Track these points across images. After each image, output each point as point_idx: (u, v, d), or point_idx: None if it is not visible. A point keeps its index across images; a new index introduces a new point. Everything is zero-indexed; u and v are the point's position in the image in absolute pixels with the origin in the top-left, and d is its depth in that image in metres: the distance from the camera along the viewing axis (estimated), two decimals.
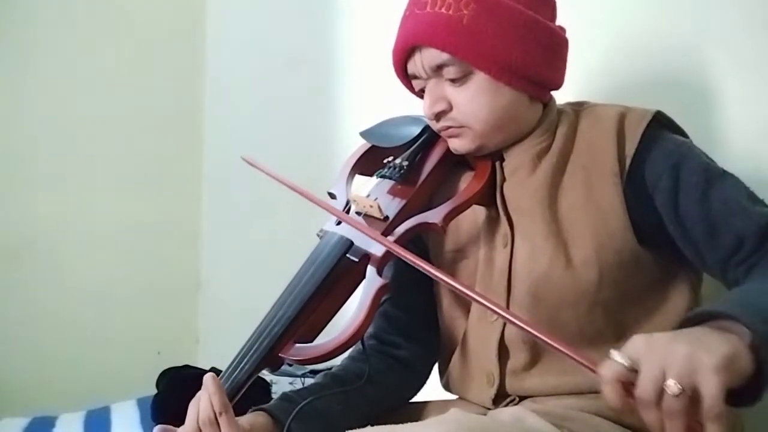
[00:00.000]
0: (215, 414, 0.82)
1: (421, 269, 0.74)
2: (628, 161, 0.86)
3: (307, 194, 0.90)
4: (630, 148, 0.86)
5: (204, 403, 0.84)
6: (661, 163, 0.85)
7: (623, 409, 0.60)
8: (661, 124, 0.89)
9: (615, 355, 0.60)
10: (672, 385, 0.56)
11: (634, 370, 0.58)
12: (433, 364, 1.05)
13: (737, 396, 0.59)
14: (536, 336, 0.65)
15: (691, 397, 0.56)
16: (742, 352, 0.59)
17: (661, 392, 0.57)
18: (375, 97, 1.59)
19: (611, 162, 0.86)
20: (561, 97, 0.96)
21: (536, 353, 0.87)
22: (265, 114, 2.05)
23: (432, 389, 1.05)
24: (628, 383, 0.59)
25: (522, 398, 0.89)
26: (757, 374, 0.60)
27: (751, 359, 0.59)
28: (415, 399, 1.04)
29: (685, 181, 0.83)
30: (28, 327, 1.85)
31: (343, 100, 1.80)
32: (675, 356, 0.57)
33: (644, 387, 0.57)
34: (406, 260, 0.77)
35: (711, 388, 0.56)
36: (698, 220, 0.82)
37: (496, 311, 0.67)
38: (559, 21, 0.94)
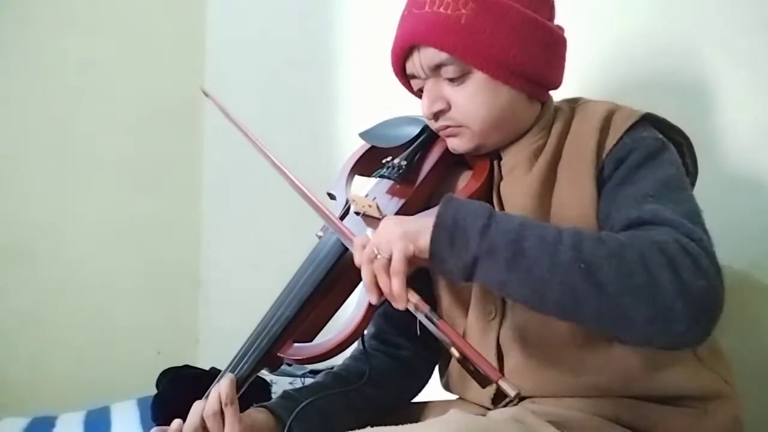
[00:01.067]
0: (221, 405, 0.83)
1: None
2: (604, 154, 0.86)
3: (263, 148, 0.96)
4: (609, 145, 0.86)
5: (212, 395, 0.85)
6: (614, 155, 0.85)
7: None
8: (648, 124, 0.88)
9: (368, 231, 0.85)
10: (374, 250, 0.77)
11: None
12: (434, 365, 1.05)
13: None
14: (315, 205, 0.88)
15: (387, 260, 0.76)
16: (426, 230, 0.76)
17: (373, 256, 0.77)
18: (374, 97, 1.59)
19: (591, 155, 0.86)
20: (559, 96, 0.96)
21: (532, 353, 0.87)
22: (264, 114, 2.05)
23: (432, 389, 1.05)
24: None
25: (521, 399, 0.89)
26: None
27: (430, 236, 0.75)
28: (415, 399, 1.04)
29: (615, 174, 0.84)
30: (28, 327, 1.85)
31: (343, 100, 1.80)
32: (383, 231, 0.78)
33: (366, 250, 0.78)
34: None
35: (394, 251, 0.75)
36: (603, 211, 0.83)
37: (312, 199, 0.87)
38: (558, 20, 0.94)
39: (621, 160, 0.84)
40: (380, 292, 0.78)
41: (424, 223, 0.77)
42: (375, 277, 0.77)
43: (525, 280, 0.72)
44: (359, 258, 0.79)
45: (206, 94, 1.13)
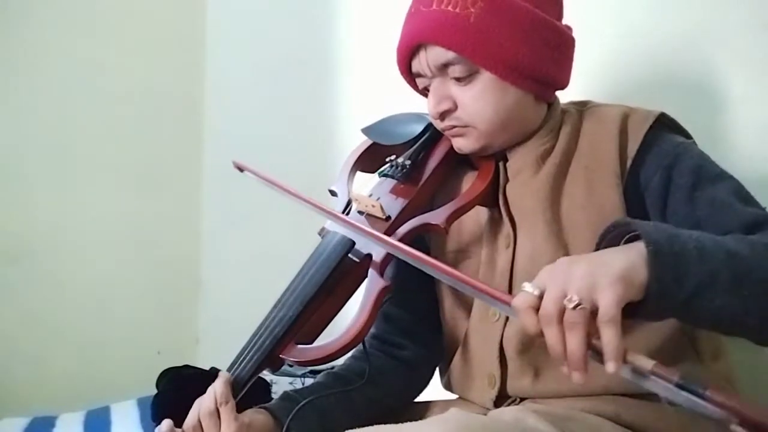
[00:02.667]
0: (216, 405, 0.83)
1: (421, 266, 0.74)
2: (629, 162, 0.86)
3: (301, 196, 0.89)
4: (632, 149, 0.86)
5: (207, 395, 0.85)
6: (655, 163, 0.85)
7: (539, 335, 0.63)
8: (664, 126, 0.88)
9: (525, 286, 0.65)
10: (570, 298, 0.61)
11: (542, 296, 0.63)
12: (436, 365, 1.05)
13: (636, 310, 0.64)
14: (459, 278, 0.69)
15: (591, 312, 0.60)
16: (638, 266, 0.63)
17: (562, 309, 0.61)
18: (375, 97, 1.59)
19: (613, 163, 0.86)
20: (565, 97, 0.96)
21: (534, 354, 0.87)
22: (264, 114, 2.05)
23: (433, 389, 1.05)
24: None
25: (523, 399, 0.89)
26: (650, 286, 0.63)
27: (645, 271, 0.63)
28: (416, 399, 1.04)
29: (674, 182, 0.83)
30: (28, 327, 1.85)
31: (343, 100, 1.80)
32: (574, 275, 0.62)
33: (546, 305, 0.62)
34: (408, 260, 0.77)
35: (606, 299, 0.60)
36: (685, 219, 0.81)
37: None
38: (564, 20, 0.94)
39: (670, 166, 0.84)
40: (584, 360, 0.60)
41: (627, 257, 0.64)
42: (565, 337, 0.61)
43: (740, 301, 0.66)
44: (533, 319, 0.63)
45: (237, 166, 1.03)
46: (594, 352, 0.60)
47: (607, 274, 0.62)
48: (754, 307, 0.66)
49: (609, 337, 0.59)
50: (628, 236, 0.69)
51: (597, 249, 0.71)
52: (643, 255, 0.64)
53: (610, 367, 0.59)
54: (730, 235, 0.73)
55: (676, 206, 0.83)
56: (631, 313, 0.64)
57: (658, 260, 0.63)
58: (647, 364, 0.58)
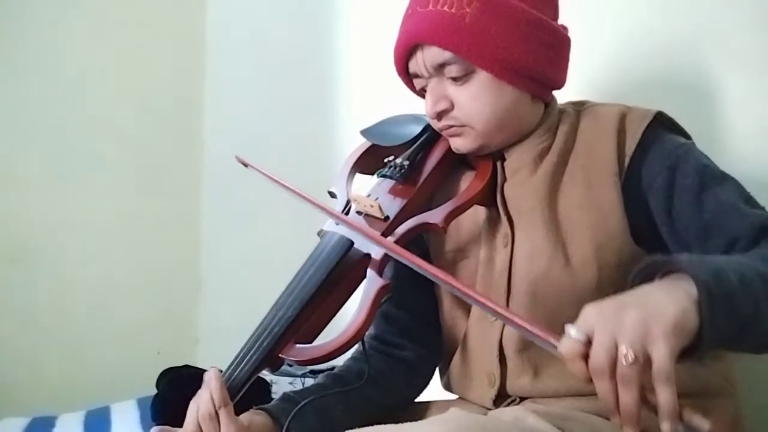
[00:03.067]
0: (215, 408, 0.83)
1: (420, 271, 0.73)
2: (627, 161, 0.86)
3: (302, 194, 0.89)
4: (630, 148, 0.86)
5: (204, 398, 0.85)
6: (657, 163, 0.85)
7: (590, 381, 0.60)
8: (662, 125, 0.89)
9: (570, 330, 0.60)
10: (625, 353, 0.57)
11: (590, 342, 0.59)
12: (436, 365, 1.05)
13: (685, 351, 0.61)
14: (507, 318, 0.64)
15: (644, 363, 0.57)
16: (689, 311, 0.60)
17: (614, 361, 0.57)
18: (374, 97, 1.59)
19: (611, 161, 0.86)
20: (562, 96, 0.96)
21: (533, 354, 0.87)
22: (264, 114, 2.05)
23: (433, 389, 1.05)
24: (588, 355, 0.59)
25: (522, 399, 0.89)
26: (702, 329, 0.60)
27: (697, 316, 0.60)
28: (416, 399, 1.04)
29: (679, 183, 0.83)
30: (28, 327, 1.85)
31: (343, 100, 1.80)
32: (625, 324, 0.58)
33: (597, 357, 0.58)
34: (405, 262, 0.76)
35: (661, 353, 0.57)
36: (691, 222, 0.82)
37: (496, 310, 0.66)
38: (561, 20, 0.94)
39: (673, 167, 0.84)
40: (637, 417, 0.57)
41: (678, 303, 0.60)
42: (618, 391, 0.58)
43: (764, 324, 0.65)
44: (581, 367, 0.59)
45: (240, 161, 1.03)
46: (646, 404, 0.58)
47: (661, 323, 0.58)
48: None
49: (665, 395, 0.57)
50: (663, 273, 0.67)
51: (632, 283, 0.67)
52: (692, 298, 0.61)
53: (666, 426, 0.57)
54: (752, 254, 0.73)
55: (682, 207, 0.83)
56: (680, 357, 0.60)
57: (711, 304, 0.61)
58: (704, 424, 0.56)
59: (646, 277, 0.67)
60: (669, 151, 0.85)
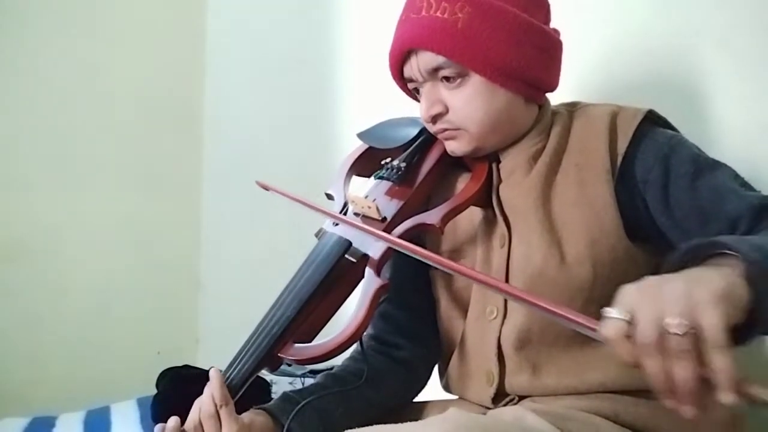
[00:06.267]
0: (216, 407, 0.83)
1: (422, 258, 0.74)
2: (619, 159, 0.87)
3: (321, 208, 0.90)
4: (622, 146, 0.87)
5: (206, 397, 0.86)
6: (651, 156, 0.86)
7: (636, 364, 0.56)
8: (653, 122, 0.89)
9: (610, 312, 0.57)
10: (674, 323, 0.53)
11: (632, 322, 0.56)
12: (433, 365, 1.05)
13: (736, 334, 0.57)
14: (538, 305, 0.62)
15: (695, 335, 0.53)
16: (737, 283, 0.57)
17: (662, 334, 0.54)
18: (374, 98, 1.60)
19: (603, 160, 0.87)
20: (556, 98, 0.97)
21: (532, 353, 0.88)
22: (264, 114, 2.05)
23: (432, 389, 1.05)
24: (633, 337, 0.55)
25: (521, 398, 0.89)
26: (754, 306, 0.58)
27: (747, 290, 0.58)
28: (415, 399, 1.04)
29: (674, 172, 0.84)
30: (28, 327, 1.85)
31: (343, 101, 1.80)
32: (670, 295, 0.55)
33: (644, 332, 0.54)
34: (407, 253, 0.76)
35: (712, 320, 0.53)
36: (689, 208, 0.82)
37: (498, 286, 0.67)
38: (555, 22, 0.94)
39: (666, 157, 0.85)
40: (697, 394, 0.54)
41: (726, 277, 0.58)
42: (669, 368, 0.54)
43: None
44: (630, 350, 0.55)
45: (261, 186, 1.05)
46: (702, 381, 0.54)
47: (707, 291, 0.55)
48: None
49: (722, 364, 0.52)
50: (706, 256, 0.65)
51: (670, 270, 0.63)
52: (739, 273, 0.59)
53: (727, 398, 0.53)
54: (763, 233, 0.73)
55: (680, 195, 0.83)
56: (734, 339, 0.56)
57: (763, 275, 0.58)
58: (766, 395, 0.53)
59: (687, 262, 0.65)
60: (661, 143, 0.86)
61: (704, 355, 0.53)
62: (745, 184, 0.83)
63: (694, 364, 0.53)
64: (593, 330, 0.57)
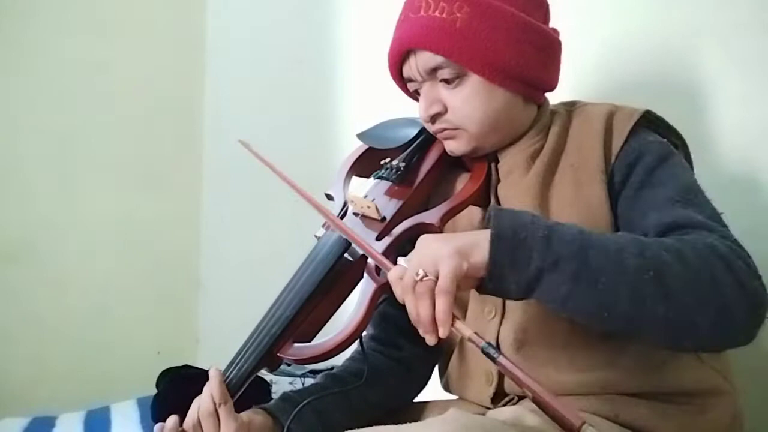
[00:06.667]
0: (215, 406, 0.83)
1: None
2: (613, 158, 0.87)
3: (299, 188, 0.91)
4: (616, 146, 0.87)
5: (205, 395, 0.86)
6: (623, 160, 0.86)
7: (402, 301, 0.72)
8: (649, 123, 0.89)
9: (400, 260, 0.75)
10: (417, 272, 0.70)
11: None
12: (434, 365, 1.05)
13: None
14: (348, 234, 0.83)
15: (436, 281, 0.69)
16: (481, 245, 0.71)
17: (414, 280, 0.70)
18: (374, 98, 1.59)
19: (598, 160, 0.87)
20: (556, 98, 0.96)
21: (531, 353, 0.87)
22: (264, 114, 2.05)
23: (432, 389, 1.06)
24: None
25: (521, 398, 0.89)
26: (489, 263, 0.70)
27: (488, 251, 0.70)
28: (415, 399, 1.04)
29: (630, 179, 0.84)
30: (28, 327, 1.85)
31: (343, 100, 1.80)
32: (426, 251, 0.72)
33: (405, 277, 0.71)
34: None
35: (443, 270, 0.69)
36: (623, 217, 0.83)
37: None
38: (555, 21, 0.94)
39: (631, 164, 0.85)
40: (433, 325, 0.70)
41: (474, 238, 0.72)
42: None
43: (592, 292, 0.69)
44: (400, 289, 0.73)
45: (243, 144, 1.08)
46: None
47: (448, 247, 0.70)
48: (609, 301, 0.69)
49: (439, 304, 0.69)
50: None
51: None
52: (488, 237, 0.71)
53: (440, 331, 0.70)
54: (625, 234, 0.75)
55: (622, 203, 0.84)
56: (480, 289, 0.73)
57: (497, 243, 0.70)
58: (466, 331, 0.70)
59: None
60: (633, 148, 0.86)
61: (435, 296, 0.69)
62: (693, 201, 0.80)
63: (430, 303, 0.69)
64: (388, 270, 0.75)
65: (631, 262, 0.69)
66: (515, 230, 0.71)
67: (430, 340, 0.72)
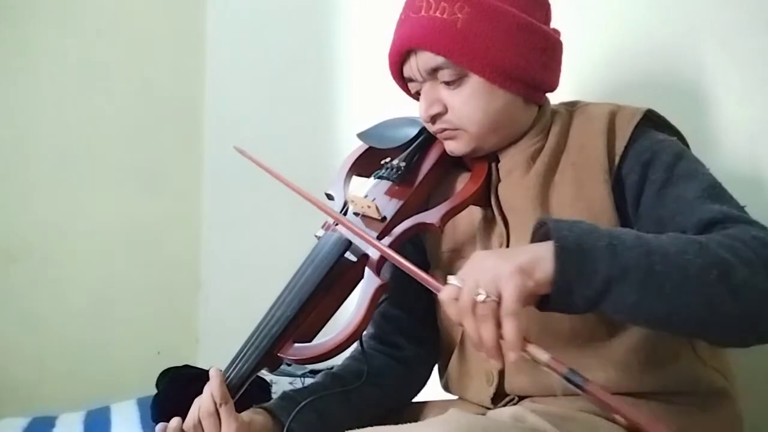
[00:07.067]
0: (215, 406, 0.84)
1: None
2: (617, 159, 0.86)
3: (297, 188, 0.92)
4: (620, 146, 0.86)
5: (205, 395, 0.86)
6: (634, 160, 0.85)
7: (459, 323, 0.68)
8: (651, 122, 0.89)
9: (450, 279, 0.70)
10: (478, 293, 0.65)
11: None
12: (433, 365, 1.06)
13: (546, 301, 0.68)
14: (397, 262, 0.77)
15: (498, 302, 0.65)
16: (544, 260, 0.67)
17: (473, 301, 0.66)
18: (374, 98, 1.59)
19: (601, 159, 0.86)
20: (556, 98, 0.96)
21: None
22: (264, 114, 2.05)
23: (432, 389, 1.05)
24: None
25: (521, 398, 0.89)
26: (556, 278, 0.66)
27: (552, 265, 0.66)
28: (415, 399, 1.04)
29: (648, 178, 0.84)
30: (28, 327, 1.85)
31: (343, 101, 1.80)
32: (484, 269, 0.67)
33: (462, 298, 0.67)
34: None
35: (507, 290, 0.65)
36: (650, 217, 0.82)
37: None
38: (556, 22, 0.94)
39: (647, 163, 0.84)
40: (498, 349, 0.66)
41: (533, 253, 0.68)
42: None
43: (659, 298, 0.67)
44: (455, 311, 0.68)
45: (239, 151, 1.08)
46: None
47: (509, 265, 0.66)
48: (678, 305, 0.67)
49: (507, 328, 0.64)
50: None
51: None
52: (551, 250, 0.67)
53: (510, 356, 0.65)
54: (677, 234, 0.74)
55: (646, 203, 0.83)
56: (543, 306, 0.69)
57: (563, 255, 0.66)
58: (543, 356, 0.64)
59: (539, 239, 0.72)
60: (645, 147, 0.85)
61: (501, 319, 0.65)
62: (717, 197, 0.80)
63: (494, 325, 0.65)
64: (438, 291, 0.71)
65: (694, 264, 0.68)
66: (579, 241, 0.67)
67: (496, 366, 0.70)
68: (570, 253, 0.67)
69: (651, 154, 0.84)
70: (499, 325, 0.65)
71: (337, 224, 0.94)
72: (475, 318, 0.66)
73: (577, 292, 0.67)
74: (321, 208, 0.89)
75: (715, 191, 0.81)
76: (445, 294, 0.69)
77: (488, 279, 0.66)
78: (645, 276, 0.67)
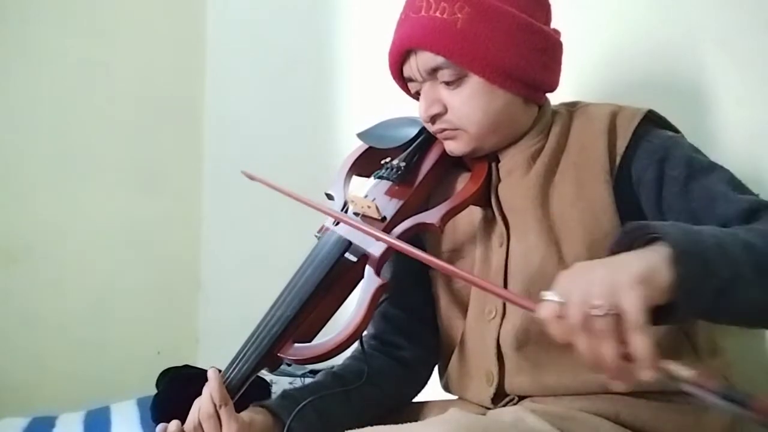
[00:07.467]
0: (215, 407, 0.84)
1: (422, 260, 0.76)
2: (618, 159, 0.87)
3: (308, 201, 0.91)
4: (621, 146, 0.87)
5: (204, 397, 0.86)
6: (646, 158, 0.85)
7: (568, 342, 0.62)
8: (652, 122, 0.89)
9: (546, 294, 0.63)
10: (596, 306, 0.59)
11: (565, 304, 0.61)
12: (434, 365, 1.05)
13: (663, 314, 0.62)
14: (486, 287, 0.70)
15: (616, 316, 0.58)
16: (660, 266, 0.61)
17: (587, 316, 0.59)
18: (374, 98, 1.60)
19: (602, 160, 0.87)
20: (557, 98, 0.96)
21: (531, 353, 0.88)
22: (264, 114, 2.05)
23: (432, 389, 1.06)
24: (564, 317, 0.61)
25: (521, 398, 0.89)
26: (676, 288, 0.61)
27: (670, 273, 0.61)
28: (415, 399, 1.04)
29: (667, 174, 0.84)
30: (28, 327, 1.85)
31: (343, 101, 1.80)
32: (594, 280, 0.61)
33: (572, 314, 0.60)
34: (407, 253, 0.78)
35: (630, 302, 0.58)
36: (681, 212, 0.82)
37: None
38: (556, 22, 0.94)
39: (663, 160, 0.84)
40: (623, 368, 0.59)
41: (646, 261, 0.62)
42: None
43: (758, 293, 0.65)
44: (561, 329, 0.61)
45: (247, 175, 1.06)
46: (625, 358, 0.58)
47: (627, 275, 0.60)
48: (764, 302, 0.66)
49: (638, 344, 0.57)
50: (641, 241, 0.67)
51: (612, 253, 0.68)
52: (663, 256, 0.62)
53: (645, 375, 0.58)
54: (735, 227, 0.73)
55: (671, 199, 0.83)
56: (660, 318, 0.62)
57: (685, 259, 0.62)
58: (685, 372, 0.56)
59: (625, 246, 0.68)
60: (657, 145, 0.86)
61: (625, 334, 0.58)
62: (740, 187, 0.82)
63: (617, 342, 0.58)
64: (533, 311, 0.63)
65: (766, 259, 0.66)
66: (693, 241, 0.64)
67: (620, 387, 0.62)
68: (691, 256, 0.62)
69: (665, 151, 0.85)
70: (621, 341, 0.59)
71: (337, 223, 0.94)
72: (592, 335, 0.59)
73: (699, 296, 0.63)
74: (335, 216, 0.88)
75: (736, 181, 0.82)
76: (545, 312, 0.62)
77: (603, 291, 0.59)
78: (754, 271, 0.65)
